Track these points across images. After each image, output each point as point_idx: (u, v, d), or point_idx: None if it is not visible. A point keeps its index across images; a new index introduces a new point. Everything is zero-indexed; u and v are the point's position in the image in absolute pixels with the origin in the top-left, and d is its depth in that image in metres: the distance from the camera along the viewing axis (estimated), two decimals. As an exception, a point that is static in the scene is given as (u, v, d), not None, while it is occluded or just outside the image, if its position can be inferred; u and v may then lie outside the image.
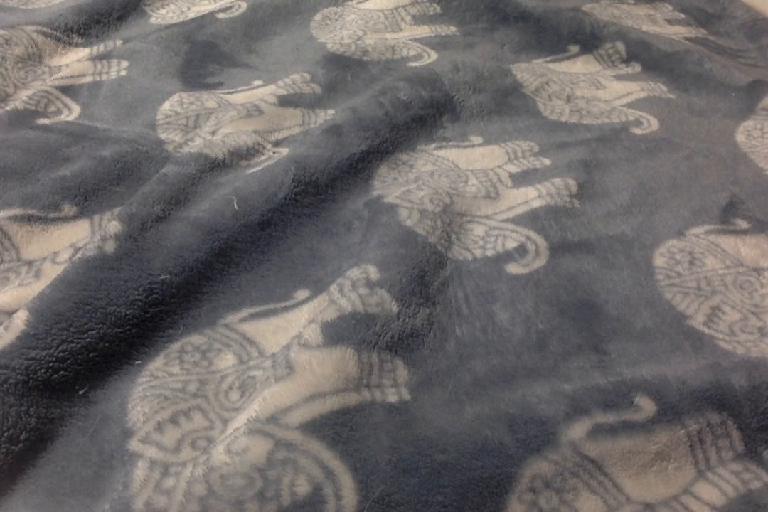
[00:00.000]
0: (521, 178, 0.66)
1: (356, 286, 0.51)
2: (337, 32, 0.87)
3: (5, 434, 0.42)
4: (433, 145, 0.70)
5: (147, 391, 0.46)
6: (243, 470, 0.40)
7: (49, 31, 0.82)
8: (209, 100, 0.73)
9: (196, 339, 0.50)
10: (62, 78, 0.75)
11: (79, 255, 0.52)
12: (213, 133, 0.68)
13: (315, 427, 0.42)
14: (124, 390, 0.47)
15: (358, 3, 0.94)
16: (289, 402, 0.43)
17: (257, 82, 0.78)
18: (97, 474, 0.42)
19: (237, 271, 0.55)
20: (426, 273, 0.54)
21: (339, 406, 0.44)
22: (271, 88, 0.75)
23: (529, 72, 0.81)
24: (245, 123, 0.69)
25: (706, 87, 0.81)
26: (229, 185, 0.60)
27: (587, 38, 0.87)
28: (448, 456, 0.42)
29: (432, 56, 0.83)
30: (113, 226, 0.53)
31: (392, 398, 0.45)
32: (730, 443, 0.44)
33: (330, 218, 0.61)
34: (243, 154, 0.65)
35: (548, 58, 0.86)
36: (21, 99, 0.72)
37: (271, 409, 0.43)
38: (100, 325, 0.48)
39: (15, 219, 0.57)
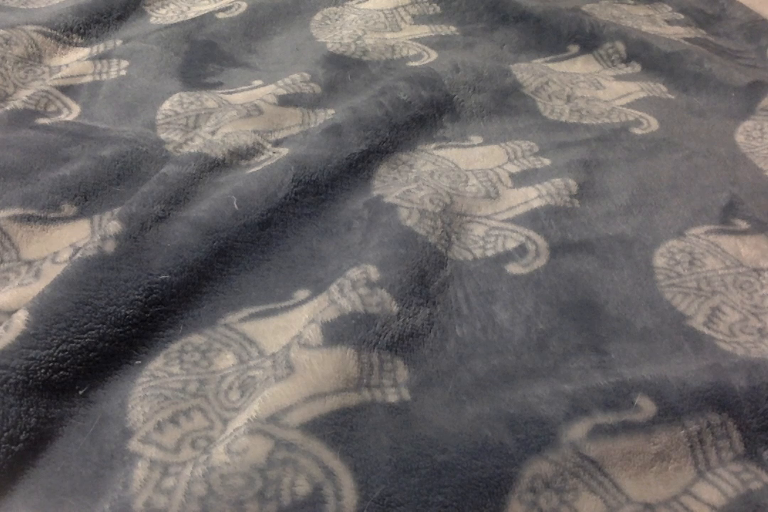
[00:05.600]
0: (521, 178, 0.66)
1: (356, 286, 0.51)
2: (337, 32, 0.87)
3: (5, 434, 0.42)
4: (433, 145, 0.70)
5: (147, 391, 0.46)
6: (243, 470, 0.40)
7: (49, 30, 0.82)
8: (209, 99, 0.73)
9: (196, 339, 0.50)
10: (62, 78, 0.75)
11: (78, 255, 0.51)
12: (213, 132, 0.68)
13: (315, 427, 0.42)
14: (124, 390, 0.47)
15: (357, 3, 0.94)
16: (289, 402, 0.43)
17: (257, 82, 0.78)
18: (97, 474, 0.42)
19: (237, 271, 0.55)
20: (426, 273, 0.54)
21: (339, 406, 0.44)
22: (270, 88, 0.75)
23: (528, 72, 0.81)
24: (245, 123, 0.69)
25: (705, 87, 0.81)
26: (229, 185, 0.60)
27: (587, 38, 0.87)
28: (448, 456, 0.42)
29: (432, 56, 0.83)
30: (113, 226, 0.53)
31: (392, 398, 0.45)
32: (730, 444, 0.44)
33: (330, 218, 0.61)
34: (243, 154, 0.65)
35: (548, 58, 0.86)
36: (21, 99, 0.71)
37: (271, 409, 0.43)
38: (100, 325, 0.48)
39: (15, 219, 0.57)
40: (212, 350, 0.49)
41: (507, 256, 0.57)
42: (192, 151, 0.64)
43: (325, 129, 0.67)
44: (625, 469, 0.42)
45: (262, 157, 0.66)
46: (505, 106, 0.76)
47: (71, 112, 0.72)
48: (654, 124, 0.74)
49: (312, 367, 0.45)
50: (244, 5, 0.90)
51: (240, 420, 0.43)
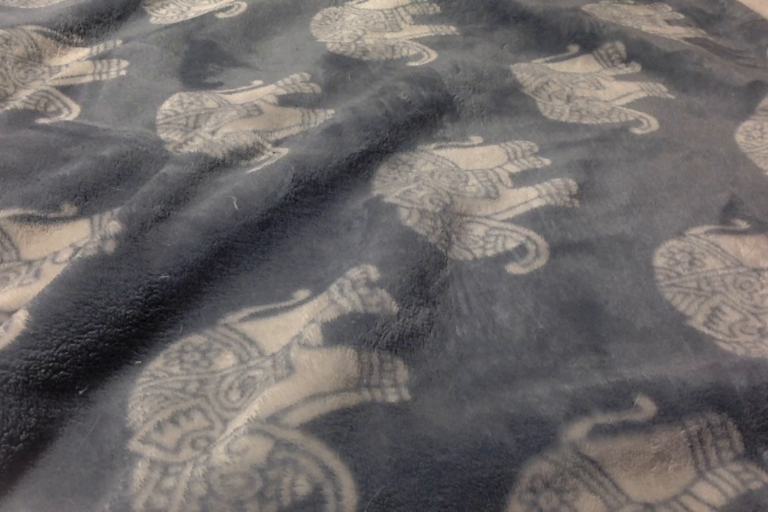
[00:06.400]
0: (521, 178, 0.66)
1: (356, 286, 0.51)
2: (337, 32, 0.87)
3: (5, 434, 0.42)
4: (433, 145, 0.70)
5: (147, 391, 0.46)
6: (243, 470, 0.40)
7: (49, 30, 0.82)
8: (209, 99, 0.73)
9: (196, 339, 0.50)
10: (62, 78, 0.75)
11: (78, 255, 0.51)
12: (213, 132, 0.68)
13: (315, 427, 0.42)
14: (124, 390, 0.47)
15: (357, 3, 0.94)
16: (290, 402, 0.43)
17: (257, 82, 0.78)
18: (97, 474, 0.42)
19: (237, 271, 0.55)
20: (426, 273, 0.54)
21: (339, 406, 0.44)
22: (270, 88, 0.75)
23: (528, 72, 0.81)
24: (245, 123, 0.69)
25: (705, 87, 0.81)
26: (229, 185, 0.60)
27: (587, 38, 0.87)
28: (448, 456, 0.42)
29: (432, 56, 0.83)
30: (113, 226, 0.53)
31: (392, 398, 0.45)
32: (730, 444, 0.44)
33: (330, 218, 0.61)
34: (243, 154, 0.65)
35: (548, 58, 0.86)
36: (21, 99, 0.71)
37: (271, 409, 0.43)
38: (100, 325, 0.48)
39: (15, 219, 0.57)
40: (212, 350, 0.49)
41: (507, 256, 0.57)
42: (192, 151, 0.64)
43: (325, 129, 0.67)
44: (625, 469, 0.42)
45: (262, 157, 0.66)
46: (505, 106, 0.76)
47: (71, 112, 0.72)
48: (654, 124, 0.74)
49: (312, 367, 0.45)
50: (244, 5, 0.90)
51: (240, 420, 0.43)
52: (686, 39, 0.91)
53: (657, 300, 0.54)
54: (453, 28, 0.90)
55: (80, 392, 0.46)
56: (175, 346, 0.50)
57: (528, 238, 0.59)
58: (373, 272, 0.52)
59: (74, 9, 0.85)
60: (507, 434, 0.43)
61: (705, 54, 0.85)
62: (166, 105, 0.72)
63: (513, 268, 0.56)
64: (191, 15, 0.90)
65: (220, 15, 0.88)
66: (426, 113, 0.73)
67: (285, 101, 0.72)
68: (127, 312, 0.49)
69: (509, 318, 0.52)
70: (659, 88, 0.81)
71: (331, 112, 0.72)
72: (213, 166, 0.63)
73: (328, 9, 0.93)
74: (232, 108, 0.71)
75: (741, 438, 0.44)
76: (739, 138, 0.73)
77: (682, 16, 0.98)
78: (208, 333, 0.51)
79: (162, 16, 0.91)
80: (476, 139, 0.71)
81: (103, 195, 0.61)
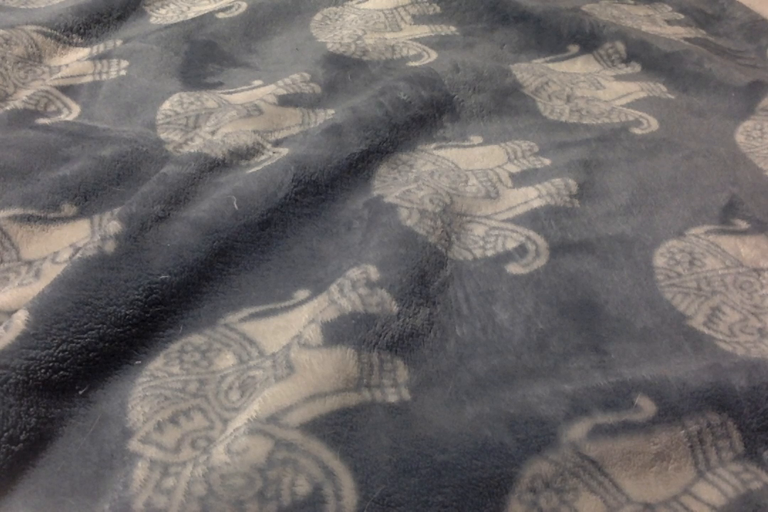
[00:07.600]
0: (521, 178, 0.66)
1: (356, 286, 0.51)
2: (336, 32, 0.87)
3: (5, 434, 0.42)
4: (433, 145, 0.70)
5: (147, 391, 0.46)
6: (243, 470, 0.40)
7: (49, 30, 0.82)
8: (209, 99, 0.73)
9: (196, 339, 0.50)
10: (62, 78, 0.75)
11: (78, 255, 0.51)
12: (213, 132, 0.67)
13: (315, 427, 0.42)
14: (124, 390, 0.47)
15: (357, 3, 0.94)
16: (290, 402, 0.43)
17: (257, 82, 0.78)
18: (97, 474, 0.42)
19: (237, 271, 0.55)
20: (426, 273, 0.54)
21: (339, 406, 0.44)
22: (271, 88, 0.75)
23: (528, 72, 0.81)
24: (245, 123, 0.69)
25: (705, 87, 0.81)
26: (229, 185, 0.60)
27: (587, 38, 0.87)
28: (448, 456, 0.42)
29: (432, 56, 0.83)
30: (113, 226, 0.53)
31: (392, 398, 0.45)
32: (730, 444, 0.44)
33: (330, 218, 0.61)
34: (243, 154, 0.65)
35: (548, 58, 0.86)
36: (21, 99, 0.71)
37: (271, 409, 0.43)
38: (100, 325, 0.48)
39: (15, 219, 0.57)
40: (212, 350, 0.49)
41: (507, 256, 0.57)
42: (192, 151, 0.64)
43: (325, 129, 0.67)
44: (625, 469, 0.42)
45: (262, 157, 0.66)
46: (505, 106, 0.76)
47: (71, 112, 0.72)
48: (654, 124, 0.74)
49: (312, 367, 0.45)
50: (244, 5, 0.90)
51: (240, 420, 0.43)
52: (686, 39, 0.91)
53: (657, 300, 0.54)
54: (453, 28, 0.90)
55: (80, 392, 0.46)
56: (175, 346, 0.50)
57: (528, 238, 0.59)
58: (373, 272, 0.52)
59: (74, 9, 0.85)
60: (507, 434, 0.43)
61: (705, 54, 0.85)
62: (166, 105, 0.72)
63: (513, 268, 0.56)
64: (191, 15, 0.90)
65: (220, 15, 0.88)
66: (426, 113, 0.73)
67: (285, 101, 0.72)
68: (127, 312, 0.49)
69: (509, 318, 0.52)
70: (659, 88, 0.81)
71: (331, 112, 0.72)
72: (213, 166, 0.63)
73: (328, 9, 0.93)
74: (232, 108, 0.71)
75: (741, 438, 0.44)
76: (739, 138, 0.73)
77: (682, 16, 0.98)
78: (208, 333, 0.51)
79: (162, 16, 0.91)
80: (476, 139, 0.71)
81: (103, 195, 0.61)
